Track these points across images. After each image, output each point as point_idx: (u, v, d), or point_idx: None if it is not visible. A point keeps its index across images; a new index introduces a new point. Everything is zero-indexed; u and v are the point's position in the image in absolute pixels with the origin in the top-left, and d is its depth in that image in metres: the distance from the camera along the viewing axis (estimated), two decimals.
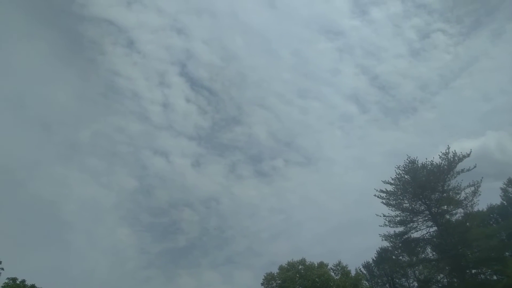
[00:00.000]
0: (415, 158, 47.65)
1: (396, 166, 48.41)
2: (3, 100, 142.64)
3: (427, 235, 46.74)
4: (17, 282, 51.31)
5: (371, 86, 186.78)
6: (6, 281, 50.76)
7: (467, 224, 43.42)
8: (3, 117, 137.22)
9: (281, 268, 58.02)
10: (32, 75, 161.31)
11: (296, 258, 59.52)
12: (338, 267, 60.19)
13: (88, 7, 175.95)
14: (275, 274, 57.54)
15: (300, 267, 58.13)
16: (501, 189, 57.37)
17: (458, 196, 44.45)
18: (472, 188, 43.57)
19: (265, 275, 58.30)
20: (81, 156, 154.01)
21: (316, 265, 58.07)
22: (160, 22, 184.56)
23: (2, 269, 48.63)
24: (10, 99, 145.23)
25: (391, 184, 48.30)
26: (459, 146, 44.97)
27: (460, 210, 44.81)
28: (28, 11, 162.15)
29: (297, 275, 56.48)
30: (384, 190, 48.25)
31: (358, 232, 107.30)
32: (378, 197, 48.29)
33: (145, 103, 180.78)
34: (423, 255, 48.93)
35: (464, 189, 43.99)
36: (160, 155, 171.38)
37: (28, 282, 52.25)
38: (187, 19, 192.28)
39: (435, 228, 45.97)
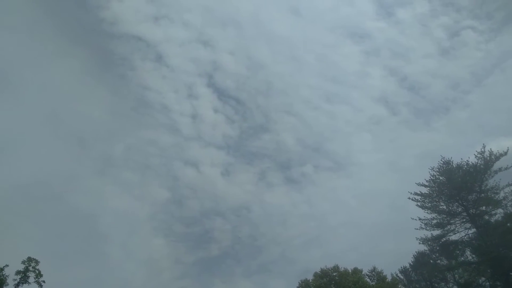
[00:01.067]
0: (450, 158, 46.82)
1: (430, 168, 47.70)
2: (40, 116, 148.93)
3: (465, 237, 45.75)
4: None
5: (400, 88, 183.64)
6: None
7: (508, 224, 42.13)
8: (41, 133, 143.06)
9: (315, 275, 57.53)
10: (67, 92, 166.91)
11: (330, 264, 58.97)
12: (373, 273, 59.23)
13: (117, 24, 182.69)
14: (310, 281, 57.12)
15: (334, 273, 57.51)
16: None
17: (497, 196, 43.38)
18: (511, 187, 42.38)
19: (300, 282, 57.94)
20: (115, 169, 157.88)
21: (350, 271, 57.33)
22: (187, 35, 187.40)
23: (44, 281, 50.23)
24: (47, 115, 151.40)
25: (425, 186, 47.57)
26: (497, 145, 43.63)
27: (500, 210, 43.71)
28: (61, 31, 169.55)
29: (332, 282, 55.87)
30: (419, 192, 47.58)
31: (393, 237, 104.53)
32: (412, 200, 47.61)
33: (174, 115, 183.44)
34: (462, 258, 47.78)
35: (503, 188, 42.95)
36: (190, 166, 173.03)
37: None
38: (213, 31, 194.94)
39: (473, 230, 44.87)
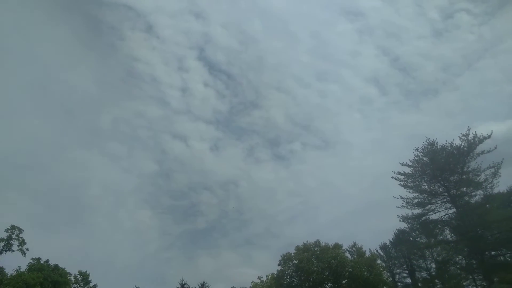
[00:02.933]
0: (434, 139, 47.01)
1: (415, 148, 47.87)
2: (27, 85, 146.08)
3: (445, 217, 46.51)
4: (41, 262, 53.12)
5: (391, 68, 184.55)
6: (31, 261, 52.61)
7: (487, 206, 42.92)
8: (27, 103, 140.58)
9: (297, 248, 58.63)
10: (54, 60, 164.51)
11: (312, 240, 60.13)
12: (353, 248, 60.64)
13: None
14: (292, 255, 58.23)
15: (315, 248, 58.65)
16: None
17: (477, 178, 43.82)
18: (492, 170, 42.87)
19: (282, 255, 59.11)
20: (102, 140, 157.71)
21: (331, 246, 58.51)
22: (179, 6, 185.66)
23: (27, 249, 50.31)
24: (34, 84, 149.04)
25: (409, 166, 47.86)
26: (485, 129, 43.77)
27: (480, 192, 44.36)
28: None
29: (313, 256, 57.01)
30: (402, 172, 47.89)
31: (376, 215, 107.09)
32: (395, 179, 48.02)
33: (164, 87, 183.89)
34: (441, 237, 48.77)
35: (484, 170, 43.29)
36: (179, 139, 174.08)
37: (52, 263, 54.06)
38: (205, 3, 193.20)
39: (453, 210, 45.55)
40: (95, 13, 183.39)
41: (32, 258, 53.14)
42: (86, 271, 57.58)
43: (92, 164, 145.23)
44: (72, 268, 56.33)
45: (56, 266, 53.88)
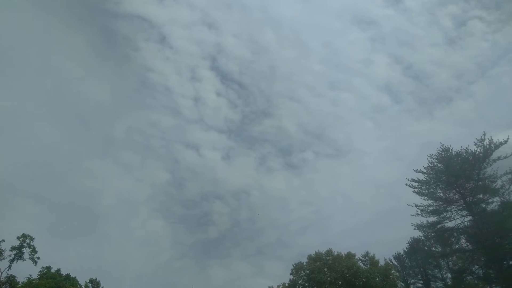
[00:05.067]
0: (449, 146, 46.33)
1: (429, 155, 47.20)
2: (43, 95, 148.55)
3: (461, 224, 45.48)
4: (52, 271, 53.01)
5: (404, 76, 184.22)
6: (41, 269, 52.56)
7: (504, 213, 41.90)
8: (43, 112, 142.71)
9: (309, 258, 57.88)
10: (69, 72, 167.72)
11: (324, 249, 59.30)
12: (366, 257, 59.65)
13: (122, 4, 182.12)
14: (304, 264, 57.44)
15: (327, 257, 57.81)
16: None
17: (494, 185, 42.88)
18: (509, 176, 41.95)
19: (294, 265, 58.38)
20: (116, 150, 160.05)
21: (343, 255, 57.65)
22: (192, 17, 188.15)
23: (38, 258, 50.23)
24: (50, 94, 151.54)
25: (423, 173, 47.15)
26: (501, 137, 43.12)
27: (497, 198, 43.24)
28: (66, 9, 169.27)
29: (326, 265, 56.16)
30: (416, 179, 47.19)
31: (389, 224, 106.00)
32: (410, 186, 47.29)
33: (177, 97, 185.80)
34: (457, 246, 47.81)
35: (500, 177, 42.37)
36: (191, 149, 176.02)
37: (64, 272, 53.95)
38: (218, 14, 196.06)
39: (470, 217, 44.59)
40: (110, 25, 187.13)
41: (43, 267, 53.14)
42: (96, 278, 57.38)
43: (105, 174, 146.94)
44: (84, 277, 56.34)
45: (68, 275, 53.74)
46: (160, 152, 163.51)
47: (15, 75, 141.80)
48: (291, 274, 58.26)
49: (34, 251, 50.01)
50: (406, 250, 60.64)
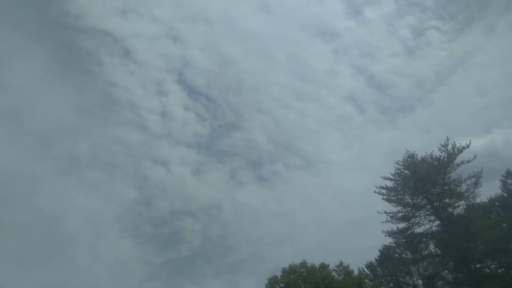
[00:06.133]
0: (414, 152, 47.13)
1: (395, 161, 47.72)
2: (0, 114, 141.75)
3: (430, 230, 45.95)
4: None
5: (367, 86, 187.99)
6: None
7: (470, 216, 42.74)
8: (1, 132, 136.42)
9: (283, 271, 57.09)
10: (28, 89, 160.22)
11: (298, 261, 58.72)
12: (340, 267, 59.49)
13: (83, 18, 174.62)
14: (278, 278, 56.59)
15: (302, 269, 57.25)
16: (500, 181, 56.91)
17: (459, 189, 43.66)
18: (473, 179, 42.88)
19: (268, 279, 57.39)
20: (81, 169, 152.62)
21: (317, 267, 57.27)
22: (156, 30, 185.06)
23: None
24: (7, 113, 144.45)
25: (391, 180, 47.55)
26: (462, 142, 44.38)
27: (462, 202, 44.01)
28: (23, 24, 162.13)
29: (300, 278, 55.54)
30: (384, 186, 47.60)
31: (361, 233, 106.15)
32: (378, 193, 47.46)
33: (143, 112, 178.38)
34: (426, 251, 48.31)
35: (465, 180, 43.28)
36: (159, 165, 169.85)
37: None
38: (183, 27, 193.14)
39: (438, 222, 45.08)
40: (71, 39, 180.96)
41: None
42: None
43: (69, 194, 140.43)
44: None
45: None
46: (127, 170, 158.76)
47: None
48: None
49: None
50: (377, 258, 60.97)
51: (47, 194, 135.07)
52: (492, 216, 51.59)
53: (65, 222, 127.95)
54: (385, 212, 46.89)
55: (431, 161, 45.06)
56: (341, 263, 59.57)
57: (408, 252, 51.83)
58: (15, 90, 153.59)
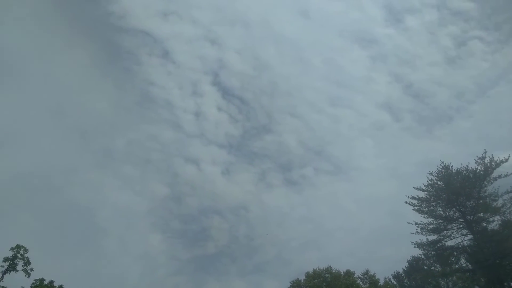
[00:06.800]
0: (449, 163, 46.14)
1: (429, 172, 46.94)
2: (43, 108, 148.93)
3: (461, 243, 44.95)
4: (45, 283, 52.02)
5: (404, 95, 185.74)
6: (34, 281, 51.56)
7: (505, 232, 41.44)
8: (43, 125, 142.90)
9: (307, 275, 56.80)
10: (71, 84, 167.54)
11: (323, 266, 58.30)
12: (365, 276, 58.66)
13: (125, 18, 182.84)
14: (302, 281, 56.41)
15: (326, 275, 56.84)
16: None
17: (495, 203, 42.55)
18: (510, 195, 41.75)
19: (291, 282, 57.23)
20: (116, 163, 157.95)
21: (342, 273, 56.71)
22: (195, 32, 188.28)
23: (32, 269, 49.29)
24: (50, 107, 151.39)
25: (423, 190, 46.78)
26: (501, 156, 43.14)
27: (497, 217, 42.83)
28: (69, 22, 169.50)
29: (324, 283, 55.19)
30: (416, 197, 46.78)
31: (389, 243, 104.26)
32: (409, 204, 46.81)
33: (178, 111, 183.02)
34: (457, 265, 47.07)
35: (501, 195, 42.14)
36: (191, 163, 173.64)
37: (57, 284, 52.91)
38: (221, 30, 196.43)
39: (470, 236, 44.11)
40: (113, 39, 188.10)
41: (36, 279, 52.13)
42: None
43: (104, 187, 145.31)
44: None
45: (61, 287, 52.68)
46: (159, 166, 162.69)
47: (17, 88, 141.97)
48: None
49: (27, 262, 48.97)
50: (405, 269, 59.80)
51: (83, 186, 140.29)
52: None
53: (98, 213, 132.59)
54: (416, 223, 46.18)
55: (467, 174, 44.04)
56: (367, 271, 58.68)
57: (438, 265, 50.51)
58: (59, 84, 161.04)
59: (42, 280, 52.06)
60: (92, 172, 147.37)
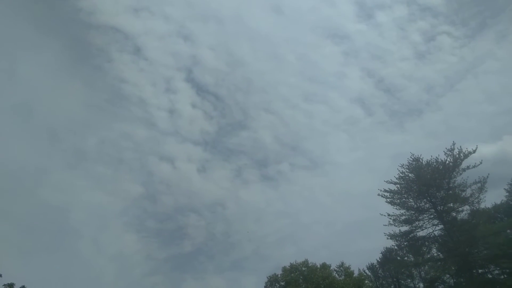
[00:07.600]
0: (419, 155, 47.05)
1: (400, 165, 47.74)
2: (11, 108, 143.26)
3: (433, 233, 46.08)
4: None
5: (376, 89, 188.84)
6: (3, 287, 49.82)
7: (474, 221, 42.64)
8: (11, 125, 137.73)
9: (284, 269, 57.18)
10: (39, 83, 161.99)
11: (300, 260, 58.78)
12: (341, 268, 59.50)
13: (95, 14, 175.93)
14: (279, 276, 56.73)
15: (303, 268, 57.34)
16: (505, 189, 56.52)
17: (464, 193, 43.56)
18: (479, 185, 42.77)
19: (268, 277, 57.53)
20: (88, 163, 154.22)
21: (318, 266, 57.34)
22: (167, 29, 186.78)
23: (0, 275, 47.67)
24: (18, 107, 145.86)
25: (395, 183, 47.55)
26: (469, 147, 44.35)
27: (467, 207, 44.00)
28: (36, 19, 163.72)
29: (301, 277, 55.65)
30: (388, 189, 47.57)
31: (364, 234, 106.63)
32: (382, 196, 47.56)
33: (151, 109, 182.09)
34: (429, 255, 48.17)
35: (470, 185, 43.14)
36: (166, 161, 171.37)
37: None
38: (194, 26, 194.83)
39: (441, 226, 45.13)
40: (83, 36, 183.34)
41: (4, 284, 50.38)
42: None
43: (76, 188, 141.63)
44: None
45: None
46: (133, 165, 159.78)
47: None
48: (265, 286, 57.34)
49: None
50: (379, 260, 60.93)
51: (54, 186, 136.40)
52: (496, 222, 51.21)
53: (70, 214, 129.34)
54: (388, 215, 46.88)
55: (436, 165, 44.96)
56: (342, 263, 59.59)
57: (410, 255, 51.67)
58: (26, 84, 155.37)
59: (11, 285, 50.32)
60: (63, 173, 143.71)
